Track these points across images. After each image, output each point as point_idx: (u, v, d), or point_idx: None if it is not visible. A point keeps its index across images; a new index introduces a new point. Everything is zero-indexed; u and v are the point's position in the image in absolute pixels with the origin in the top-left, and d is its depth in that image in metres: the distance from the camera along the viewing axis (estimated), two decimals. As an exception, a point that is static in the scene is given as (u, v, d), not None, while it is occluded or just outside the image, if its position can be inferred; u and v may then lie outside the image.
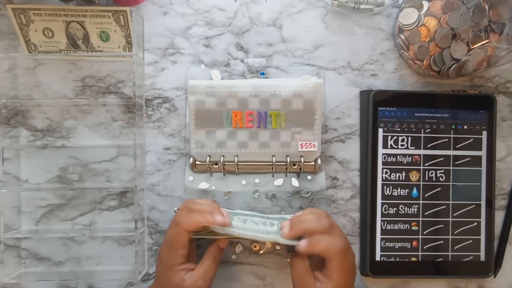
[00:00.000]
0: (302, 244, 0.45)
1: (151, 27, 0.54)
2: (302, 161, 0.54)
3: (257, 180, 0.55)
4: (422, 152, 0.54)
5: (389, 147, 0.54)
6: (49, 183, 0.55)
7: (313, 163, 0.54)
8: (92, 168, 0.55)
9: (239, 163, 0.54)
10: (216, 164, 0.54)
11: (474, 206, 0.54)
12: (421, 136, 0.54)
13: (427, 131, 0.54)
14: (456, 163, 0.54)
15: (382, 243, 0.54)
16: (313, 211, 0.49)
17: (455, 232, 0.54)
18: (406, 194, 0.54)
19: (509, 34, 0.50)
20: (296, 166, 0.54)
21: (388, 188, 0.54)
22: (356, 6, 0.53)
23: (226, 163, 0.54)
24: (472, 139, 0.54)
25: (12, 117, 0.54)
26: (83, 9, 0.50)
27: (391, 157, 0.54)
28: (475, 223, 0.54)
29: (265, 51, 0.55)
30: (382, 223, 0.54)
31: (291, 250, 0.52)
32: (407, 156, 0.54)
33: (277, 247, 0.55)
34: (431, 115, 0.54)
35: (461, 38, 0.51)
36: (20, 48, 0.53)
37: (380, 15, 0.55)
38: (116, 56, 0.53)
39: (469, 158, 0.54)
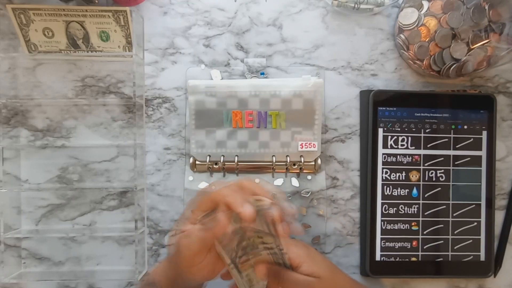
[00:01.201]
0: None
1: (151, 27, 0.54)
2: (302, 161, 0.54)
3: (257, 180, 0.55)
4: (422, 152, 0.54)
5: (389, 147, 0.54)
6: (49, 183, 0.55)
7: (313, 163, 0.54)
8: (92, 168, 0.55)
9: (239, 163, 0.54)
10: (216, 164, 0.54)
11: (474, 206, 0.54)
12: (421, 136, 0.54)
13: (427, 131, 0.54)
14: (456, 163, 0.54)
15: (382, 243, 0.54)
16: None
17: (455, 232, 0.54)
18: (406, 194, 0.54)
19: (509, 34, 0.50)
20: (296, 166, 0.54)
21: (388, 188, 0.54)
22: (356, 6, 0.53)
23: (226, 163, 0.54)
24: (472, 139, 0.54)
25: (12, 117, 0.54)
26: (83, 9, 0.50)
27: (391, 157, 0.54)
28: (475, 223, 0.54)
29: (265, 51, 0.55)
30: (382, 223, 0.54)
31: None
32: (407, 156, 0.54)
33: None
34: (431, 115, 0.54)
35: (461, 38, 0.51)
36: (20, 48, 0.53)
37: (380, 15, 0.55)
38: (116, 56, 0.53)
39: (469, 158, 0.54)
